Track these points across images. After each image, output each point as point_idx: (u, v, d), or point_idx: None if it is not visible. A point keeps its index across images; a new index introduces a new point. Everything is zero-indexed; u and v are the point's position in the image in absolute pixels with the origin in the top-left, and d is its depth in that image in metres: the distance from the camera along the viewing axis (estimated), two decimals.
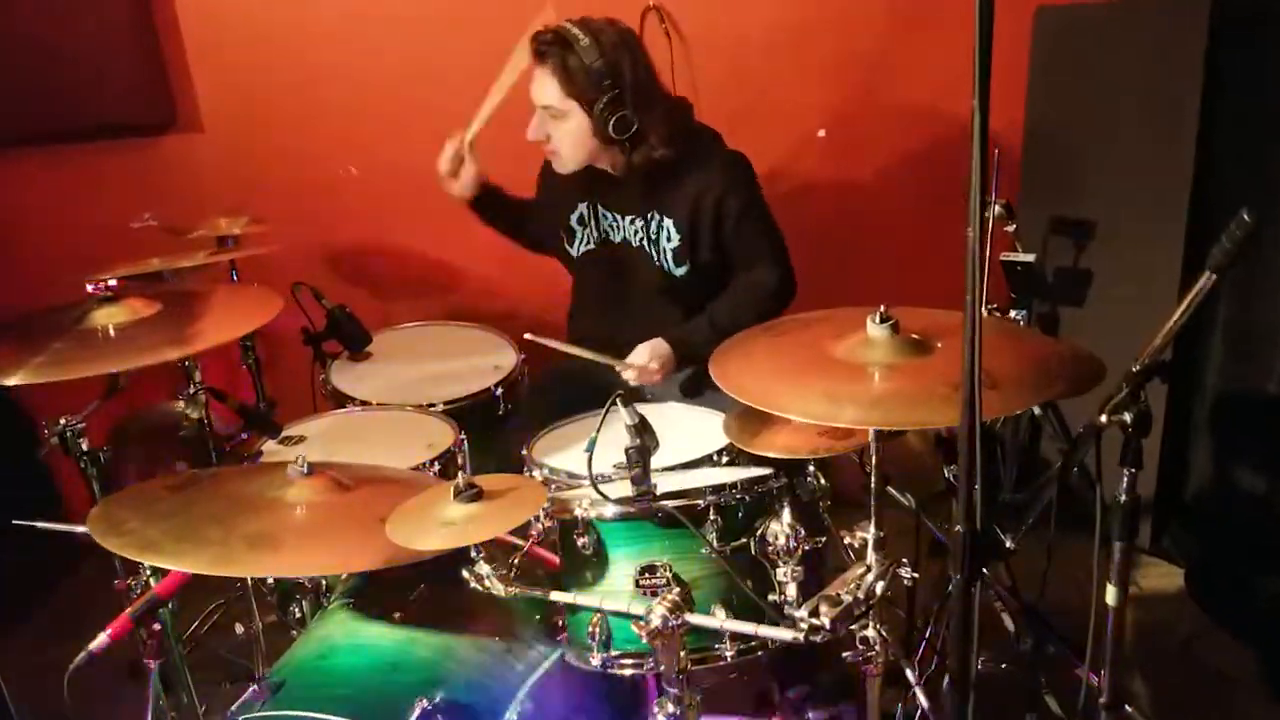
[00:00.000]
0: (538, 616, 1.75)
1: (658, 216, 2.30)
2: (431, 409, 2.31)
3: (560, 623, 1.71)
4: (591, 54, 2.11)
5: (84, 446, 1.92)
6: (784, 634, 1.44)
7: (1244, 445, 2.56)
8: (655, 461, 1.61)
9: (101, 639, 1.59)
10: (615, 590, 1.62)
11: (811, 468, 1.82)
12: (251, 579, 2.05)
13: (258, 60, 2.93)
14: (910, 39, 2.97)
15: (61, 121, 2.86)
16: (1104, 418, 1.38)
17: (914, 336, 1.48)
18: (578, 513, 1.61)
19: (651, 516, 1.60)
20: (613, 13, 2.21)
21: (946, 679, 1.99)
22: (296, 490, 1.66)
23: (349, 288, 2.97)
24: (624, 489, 1.62)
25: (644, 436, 1.51)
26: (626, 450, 1.52)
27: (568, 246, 2.45)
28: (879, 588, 1.56)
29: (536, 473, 1.98)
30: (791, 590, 1.59)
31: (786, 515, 1.60)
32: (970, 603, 1.29)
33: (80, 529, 1.63)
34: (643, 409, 2.20)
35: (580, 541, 1.62)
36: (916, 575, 1.64)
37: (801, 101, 3.05)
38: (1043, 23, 2.88)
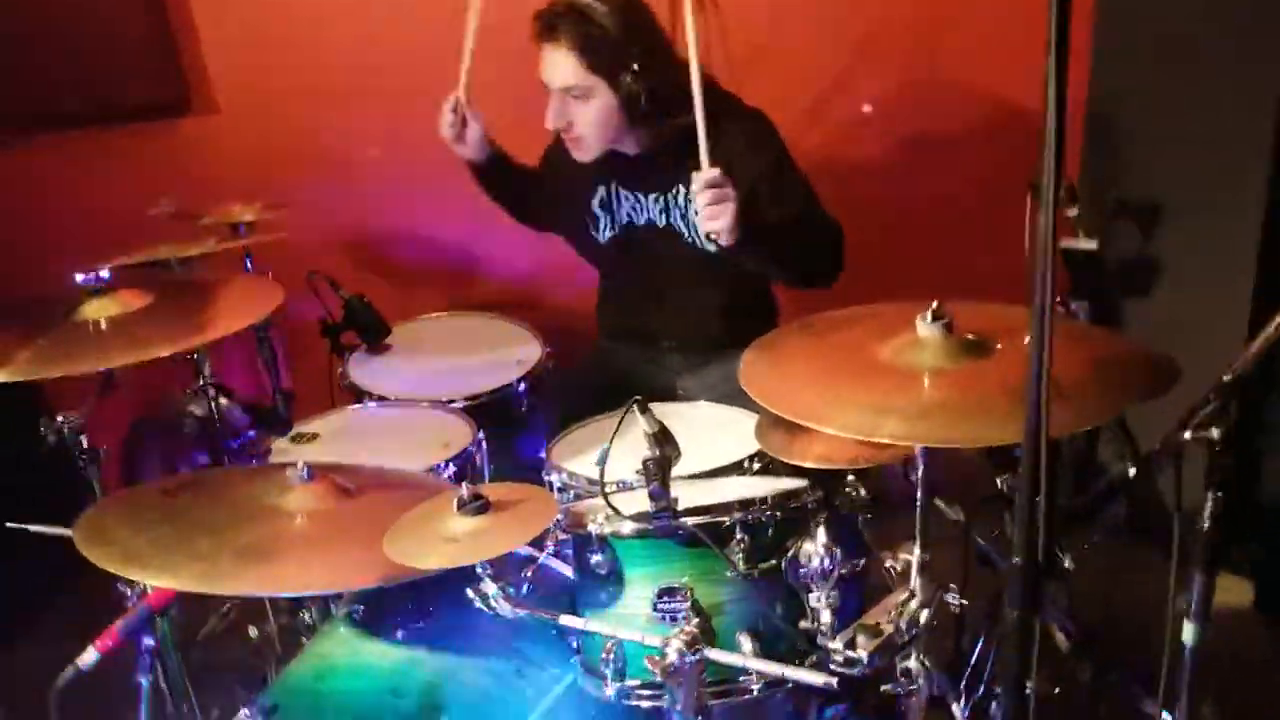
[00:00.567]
0: (554, 630, 1.62)
1: (682, 190, 2.14)
2: (450, 405, 2.21)
3: (576, 643, 1.59)
4: (610, 20, 1.95)
5: (84, 444, 1.84)
6: (815, 678, 1.29)
7: None
8: (677, 468, 1.46)
9: (90, 654, 1.50)
10: (631, 614, 1.48)
11: (850, 477, 1.68)
12: None
13: (272, 37, 2.82)
14: (959, 6, 2.79)
15: (69, 105, 2.76)
16: (1188, 433, 1.21)
17: (969, 337, 1.33)
18: (592, 529, 1.48)
19: (673, 534, 1.46)
20: None
21: (994, 705, 1.85)
22: (296, 497, 1.55)
23: (368, 276, 2.86)
24: (643, 502, 1.48)
25: (664, 447, 1.37)
26: (644, 462, 1.38)
27: (593, 233, 2.32)
28: (924, 616, 1.42)
29: (555, 477, 1.86)
30: (826, 617, 1.44)
31: (822, 535, 1.45)
32: (1029, 642, 1.14)
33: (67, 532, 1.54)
34: (671, 408, 2.08)
35: (594, 559, 1.49)
36: (965, 602, 1.49)
37: (843, 78, 2.87)
38: None
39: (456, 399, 2.22)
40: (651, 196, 2.21)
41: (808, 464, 1.62)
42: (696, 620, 1.34)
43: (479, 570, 1.43)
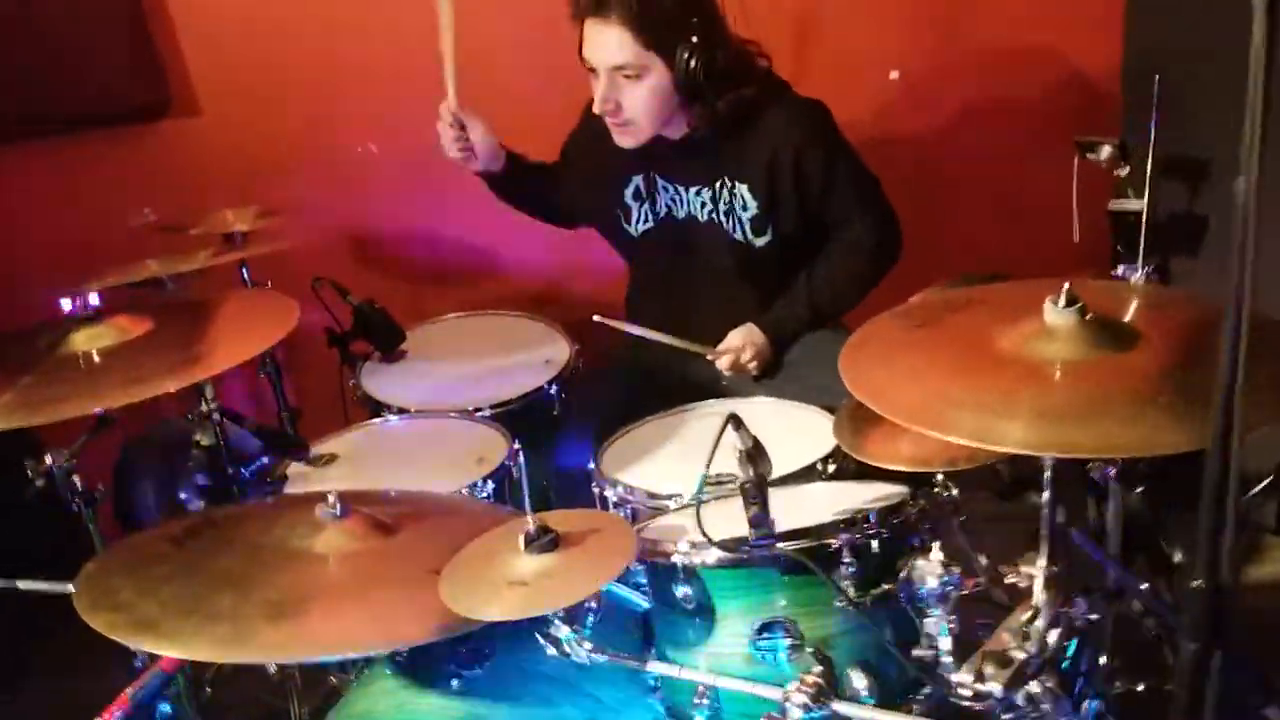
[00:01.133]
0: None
1: (729, 183, 2.01)
2: (478, 414, 2.04)
3: (654, 680, 1.41)
4: None
5: (77, 485, 1.65)
6: None
7: None
8: None
9: None
10: (726, 653, 1.30)
11: (940, 476, 1.51)
12: None
13: (255, 29, 2.64)
14: None
15: (40, 109, 2.55)
16: None
17: (1110, 321, 1.15)
18: (677, 559, 1.30)
19: (772, 563, 1.28)
20: None
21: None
22: (328, 537, 1.37)
23: (376, 279, 2.70)
24: (726, 519, 1.29)
25: (759, 464, 1.19)
26: (742, 485, 1.20)
27: (625, 225, 2.17)
28: (1053, 637, 1.25)
29: (610, 491, 1.70)
30: (946, 644, 1.27)
31: (937, 551, 1.27)
32: (1204, 681, 0.98)
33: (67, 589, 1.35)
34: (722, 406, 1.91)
35: (680, 593, 1.31)
36: (1095, 617, 1.32)
37: (872, 42, 2.73)
38: None
39: (484, 407, 2.06)
40: (694, 189, 2.07)
41: (899, 466, 1.44)
42: (819, 669, 1.15)
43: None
